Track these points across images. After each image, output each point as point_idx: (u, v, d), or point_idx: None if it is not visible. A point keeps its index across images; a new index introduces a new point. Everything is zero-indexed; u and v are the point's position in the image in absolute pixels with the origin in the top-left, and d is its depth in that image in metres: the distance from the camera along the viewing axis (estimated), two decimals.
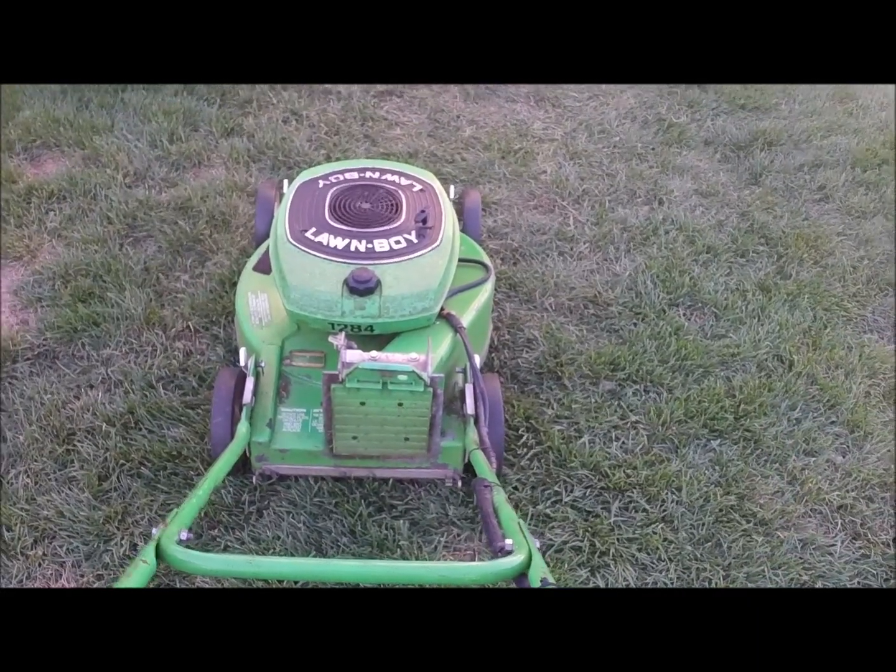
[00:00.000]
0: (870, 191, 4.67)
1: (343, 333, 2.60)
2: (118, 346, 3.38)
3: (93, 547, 2.72)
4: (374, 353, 2.54)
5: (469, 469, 2.70)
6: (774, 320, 3.71)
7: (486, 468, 2.45)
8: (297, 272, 2.77)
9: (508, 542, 1.99)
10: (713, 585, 2.70)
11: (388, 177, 3.16)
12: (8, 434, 3.03)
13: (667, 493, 2.97)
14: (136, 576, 1.77)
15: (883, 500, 3.02)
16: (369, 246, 2.82)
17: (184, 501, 2.18)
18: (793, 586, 2.72)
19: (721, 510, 2.93)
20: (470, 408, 2.73)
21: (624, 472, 3.02)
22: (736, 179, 4.70)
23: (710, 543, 2.84)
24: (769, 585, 2.72)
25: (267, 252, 3.04)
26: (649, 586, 2.70)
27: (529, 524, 2.81)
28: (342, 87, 5.22)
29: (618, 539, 2.82)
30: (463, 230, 3.42)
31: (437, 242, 2.87)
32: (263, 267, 3.13)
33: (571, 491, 2.96)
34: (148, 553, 1.85)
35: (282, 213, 2.97)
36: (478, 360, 2.83)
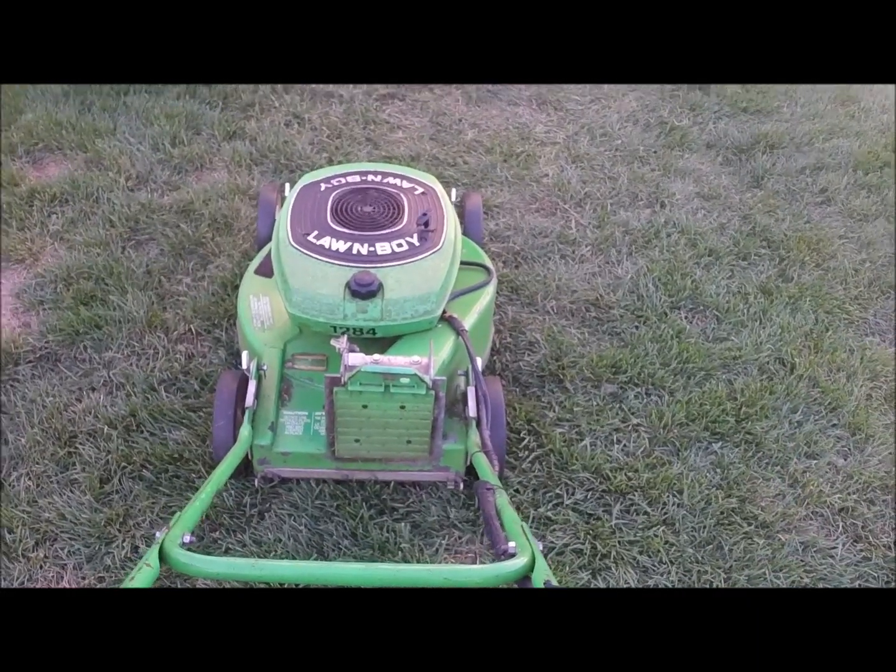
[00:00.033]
0: (872, 193, 4.67)
1: (345, 336, 2.61)
2: (120, 349, 3.38)
3: (94, 549, 2.72)
4: (376, 356, 2.55)
5: (471, 472, 2.70)
6: (776, 323, 3.71)
7: (488, 471, 2.46)
8: (299, 275, 2.78)
9: (511, 544, 1.99)
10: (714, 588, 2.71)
11: (390, 180, 3.16)
12: (10, 436, 3.03)
13: (668, 496, 2.97)
14: (139, 579, 1.77)
15: (884, 502, 3.02)
16: (371, 249, 2.82)
17: (187, 505, 2.18)
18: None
19: (722, 513, 2.93)
20: (472, 410, 2.73)
21: (625, 474, 3.03)
22: (738, 182, 4.71)
23: (711, 546, 2.84)
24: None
25: (269, 255, 3.04)
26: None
27: (531, 527, 2.81)
28: (344, 91, 5.23)
29: (619, 542, 2.82)
30: (465, 233, 3.42)
31: (439, 245, 2.87)
32: (265, 270, 3.13)
33: (573, 494, 2.96)
34: (151, 556, 1.86)
35: (284, 217, 2.97)
36: (479, 362, 2.83)
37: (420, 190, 3.13)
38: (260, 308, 3.04)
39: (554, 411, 3.23)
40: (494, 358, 3.44)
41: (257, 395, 2.77)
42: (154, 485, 2.90)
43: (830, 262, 4.15)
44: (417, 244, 2.86)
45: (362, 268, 2.75)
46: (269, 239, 3.14)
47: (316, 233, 2.87)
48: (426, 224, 2.89)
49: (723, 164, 4.87)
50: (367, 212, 2.98)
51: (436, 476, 2.87)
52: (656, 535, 2.84)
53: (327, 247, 2.82)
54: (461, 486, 2.88)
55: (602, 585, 2.69)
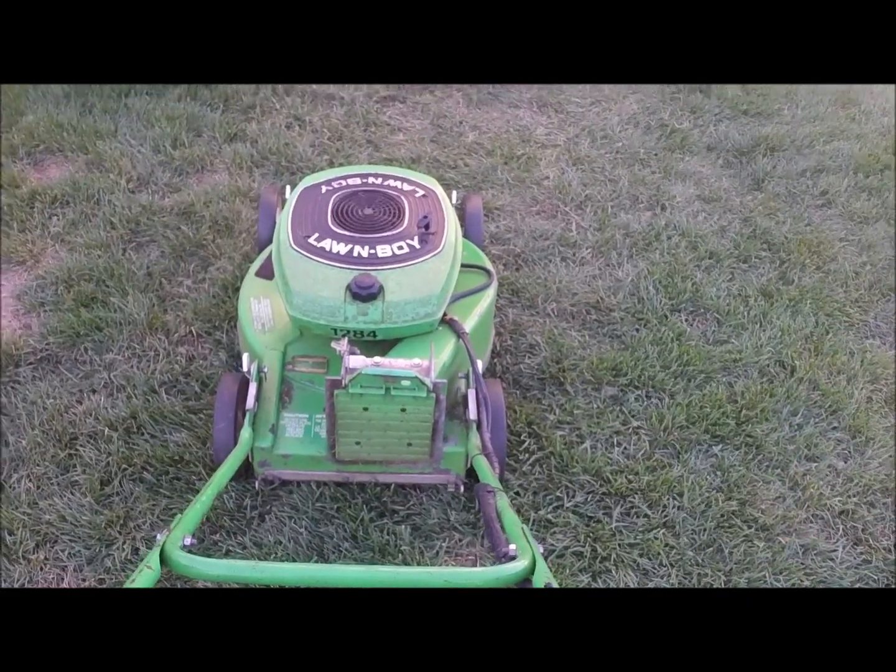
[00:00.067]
0: (872, 196, 4.67)
1: (346, 339, 2.61)
2: (121, 351, 3.39)
3: (95, 551, 2.72)
4: (376, 358, 2.55)
5: (471, 474, 2.70)
6: (776, 326, 3.72)
7: (488, 473, 2.46)
8: (299, 277, 2.78)
9: (512, 547, 1.99)
10: None
11: (391, 182, 3.17)
12: (10, 438, 3.03)
13: (668, 499, 2.97)
14: (140, 581, 1.77)
15: (884, 505, 3.02)
16: (372, 251, 2.82)
17: (187, 507, 2.18)
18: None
19: (722, 515, 2.93)
20: (472, 413, 2.73)
21: (625, 477, 3.03)
22: (738, 185, 4.71)
23: (711, 549, 2.84)
24: None
25: (269, 257, 3.04)
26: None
27: (531, 529, 2.81)
28: (345, 93, 5.23)
29: (619, 544, 2.82)
30: (465, 236, 3.42)
31: (440, 248, 2.87)
32: (266, 272, 3.13)
33: (573, 496, 2.96)
34: (152, 559, 1.86)
35: (284, 219, 2.97)
36: (480, 365, 2.83)
37: (421, 192, 3.13)
38: (261, 310, 3.04)
39: (554, 414, 3.23)
40: (495, 360, 3.44)
41: (258, 398, 2.77)
42: (155, 487, 2.90)
43: (831, 264, 4.15)
44: (418, 247, 2.86)
45: (363, 270, 2.75)
46: (270, 241, 3.14)
47: (317, 235, 2.87)
48: (427, 227, 2.90)
49: (723, 166, 4.87)
50: (367, 214, 2.98)
51: (436, 478, 2.87)
52: (656, 538, 2.84)
53: (328, 249, 2.82)
54: (462, 488, 2.89)
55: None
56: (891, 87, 5.86)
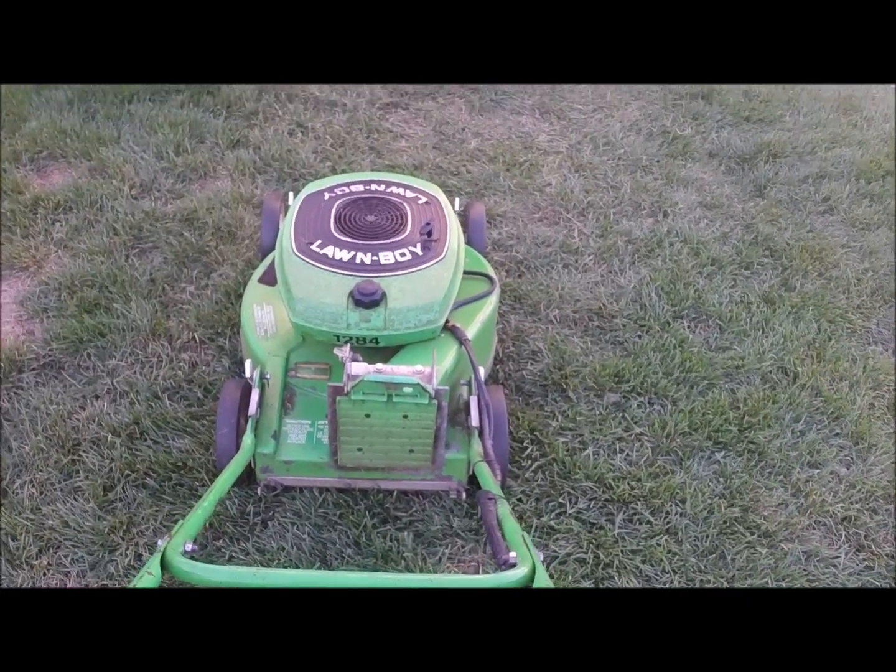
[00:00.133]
0: (874, 202, 4.68)
1: (348, 346, 2.61)
2: (124, 357, 3.39)
3: (97, 557, 2.72)
4: (379, 365, 2.55)
5: (473, 481, 2.70)
6: (779, 332, 3.72)
7: (490, 480, 2.46)
8: (302, 284, 2.78)
9: (512, 554, 2.00)
10: None
11: (394, 189, 3.17)
12: (13, 444, 3.04)
13: (671, 505, 2.97)
14: (141, 587, 1.77)
15: (887, 511, 3.02)
16: (374, 258, 2.82)
17: (189, 513, 2.18)
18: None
19: (725, 522, 2.93)
20: (474, 420, 2.73)
21: (628, 483, 3.03)
22: (740, 191, 4.71)
23: (714, 555, 2.84)
24: None
25: (272, 264, 3.04)
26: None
27: (534, 536, 2.82)
28: (347, 100, 5.24)
29: (622, 551, 2.82)
30: (468, 242, 3.43)
31: (442, 255, 2.88)
32: (269, 279, 3.14)
33: (576, 503, 2.96)
34: (153, 564, 1.86)
35: (287, 226, 2.98)
36: (482, 372, 2.82)
37: (423, 199, 3.14)
38: (263, 317, 3.05)
39: (557, 420, 3.23)
40: (497, 367, 3.44)
41: (260, 404, 2.77)
42: (157, 493, 2.90)
43: (833, 271, 4.15)
44: (420, 254, 2.86)
45: (365, 277, 2.76)
46: (273, 248, 3.15)
47: (319, 242, 2.87)
48: (429, 233, 2.90)
49: (725, 173, 4.87)
50: (370, 221, 2.99)
51: (438, 485, 2.87)
52: (659, 545, 2.84)
53: (331, 256, 2.83)
54: (464, 495, 2.89)
55: None
56: (892, 93, 5.87)
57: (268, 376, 2.82)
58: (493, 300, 3.14)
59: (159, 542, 1.97)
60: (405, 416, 2.57)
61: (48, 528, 2.78)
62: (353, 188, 3.17)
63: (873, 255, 4.28)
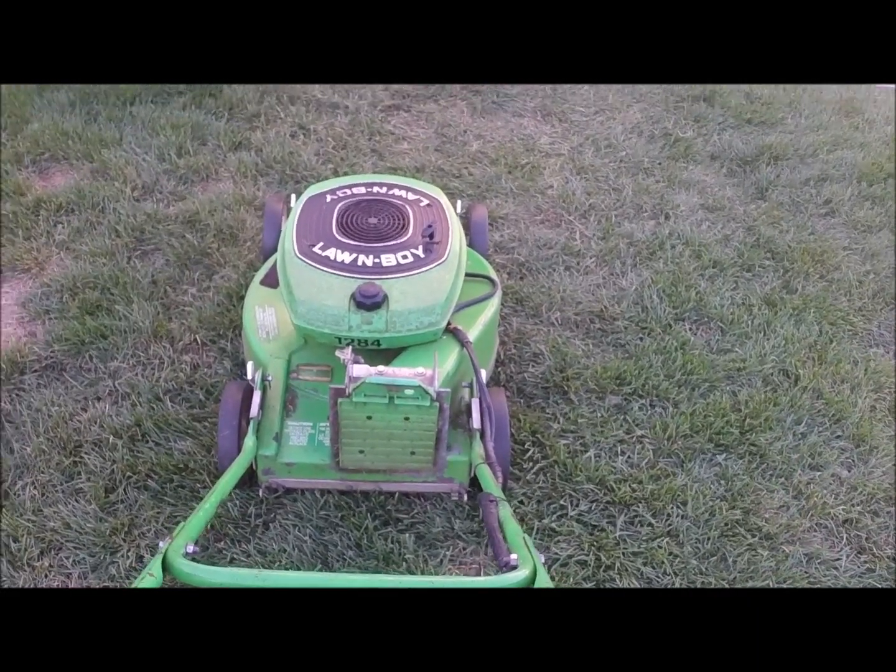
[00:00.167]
0: (876, 205, 4.68)
1: (350, 348, 2.61)
2: (125, 359, 3.39)
3: (99, 559, 2.72)
4: (380, 367, 2.55)
5: (475, 483, 2.70)
6: (780, 335, 3.72)
7: (491, 482, 2.46)
8: (304, 286, 2.78)
9: (514, 556, 2.00)
10: None
11: (396, 192, 3.17)
12: (15, 445, 3.04)
13: (672, 508, 2.97)
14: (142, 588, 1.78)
15: (888, 514, 3.02)
16: (376, 261, 2.83)
17: (190, 514, 2.18)
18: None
19: (726, 524, 2.93)
20: (476, 422, 2.73)
21: (629, 486, 3.03)
22: (742, 194, 4.71)
23: (715, 558, 2.84)
24: None
25: (274, 266, 3.05)
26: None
27: (535, 538, 2.82)
28: (349, 102, 5.24)
29: (623, 553, 2.82)
30: (470, 245, 3.42)
31: (444, 257, 2.88)
32: (271, 281, 3.14)
33: (577, 505, 2.96)
34: (154, 566, 1.86)
35: (289, 228, 2.98)
36: (484, 374, 2.82)
37: (425, 202, 3.14)
38: (265, 319, 3.05)
39: (558, 423, 3.24)
40: (499, 369, 3.44)
41: (262, 406, 2.77)
42: (159, 494, 2.91)
43: (834, 273, 4.15)
44: (422, 256, 2.86)
45: (367, 279, 2.76)
46: (275, 250, 3.15)
47: (321, 244, 2.88)
48: (431, 236, 2.90)
49: (727, 175, 4.87)
50: (372, 223, 2.99)
51: (440, 487, 2.87)
52: (660, 547, 2.84)
53: (333, 258, 2.83)
54: (465, 497, 2.89)
55: None
56: (893, 96, 5.87)
57: (269, 378, 2.82)
58: (494, 302, 3.14)
59: (161, 544, 1.98)
60: (407, 419, 2.57)
61: (50, 530, 2.78)
62: (354, 190, 3.17)
63: (875, 258, 4.28)
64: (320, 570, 2.71)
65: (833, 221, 4.54)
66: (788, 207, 4.61)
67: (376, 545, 2.78)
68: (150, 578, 1.81)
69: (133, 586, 1.78)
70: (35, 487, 2.91)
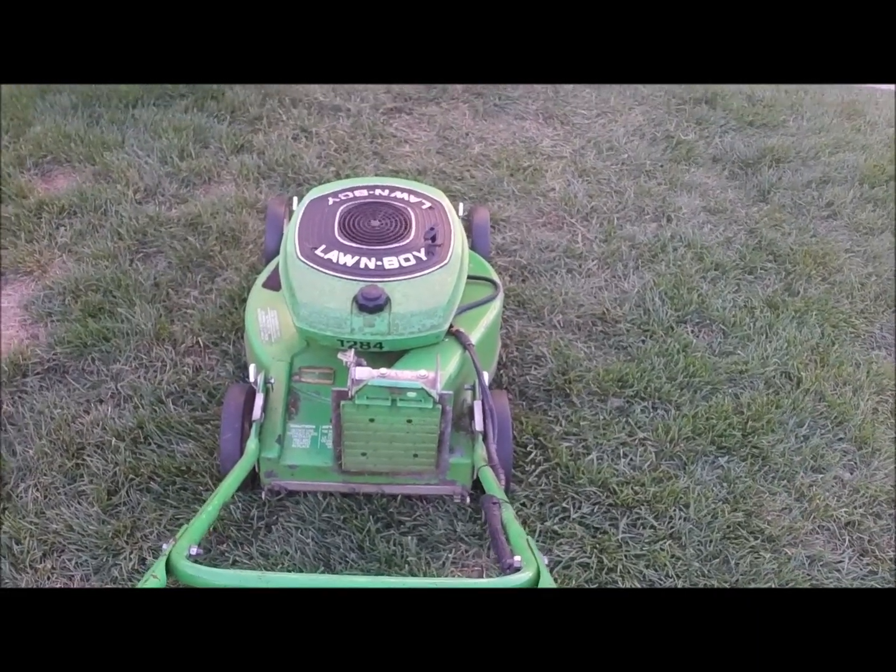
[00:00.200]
0: (878, 207, 4.68)
1: (352, 350, 2.61)
2: (128, 362, 3.39)
3: (101, 561, 2.72)
4: (383, 370, 2.55)
5: (477, 485, 2.70)
6: (782, 337, 3.72)
7: (494, 485, 2.46)
8: (306, 289, 2.78)
9: (517, 558, 2.00)
10: None
11: (398, 194, 3.17)
12: (18, 448, 3.04)
13: (674, 510, 2.97)
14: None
15: (891, 516, 3.02)
16: (378, 263, 2.83)
17: (193, 517, 2.19)
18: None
19: (729, 527, 2.93)
20: (478, 424, 2.73)
21: (632, 488, 3.03)
22: (744, 196, 4.71)
23: (717, 560, 2.84)
24: None
25: (276, 269, 3.04)
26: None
27: (537, 540, 2.81)
28: (351, 105, 5.25)
29: (625, 555, 2.82)
30: (472, 247, 3.43)
31: (446, 260, 2.88)
32: (273, 283, 3.14)
33: (579, 507, 2.96)
34: (158, 568, 1.86)
35: (291, 231, 2.98)
36: (486, 376, 2.82)
37: (427, 204, 3.14)
38: (267, 321, 3.05)
39: (560, 425, 3.24)
40: (501, 372, 3.44)
41: (264, 408, 2.77)
42: (161, 497, 2.91)
43: (836, 275, 4.15)
44: (425, 258, 2.86)
45: (370, 282, 2.76)
46: (277, 252, 3.15)
47: (324, 247, 2.88)
48: (433, 238, 2.90)
49: (729, 178, 4.88)
50: (374, 226, 2.99)
51: (442, 490, 2.87)
52: (663, 549, 2.84)
53: (335, 261, 2.83)
54: (468, 499, 2.89)
55: None
56: (894, 97, 5.88)
57: (272, 381, 2.82)
58: (496, 305, 3.14)
59: (164, 546, 1.98)
60: (409, 421, 2.57)
61: (52, 532, 2.78)
62: (357, 193, 3.17)
63: (877, 260, 4.28)
64: (323, 573, 2.70)
65: (835, 224, 4.54)
66: (790, 210, 4.62)
67: (378, 548, 2.78)
68: (153, 580, 1.81)
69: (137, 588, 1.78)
70: (37, 490, 2.91)
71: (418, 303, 2.76)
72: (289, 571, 2.69)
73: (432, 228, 2.92)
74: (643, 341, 3.66)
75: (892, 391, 3.50)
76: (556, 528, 2.88)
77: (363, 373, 2.52)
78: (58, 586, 2.66)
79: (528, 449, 3.13)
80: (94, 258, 3.90)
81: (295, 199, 3.47)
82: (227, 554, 2.75)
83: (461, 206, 3.51)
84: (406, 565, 2.74)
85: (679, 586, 2.75)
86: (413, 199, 3.16)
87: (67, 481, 2.95)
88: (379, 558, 2.75)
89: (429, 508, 2.93)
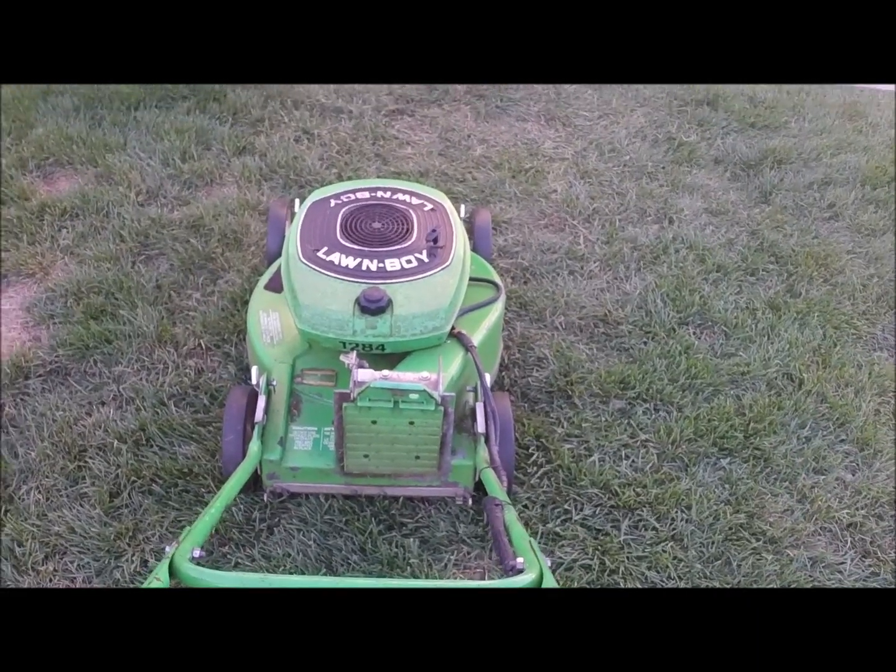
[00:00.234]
0: (879, 208, 4.68)
1: (354, 352, 2.61)
2: (130, 364, 3.40)
3: (104, 563, 2.72)
4: (385, 371, 2.55)
5: (479, 487, 2.70)
6: (784, 339, 3.72)
7: (496, 486, 2.46)
8: (308, 291, 2.78)
9: (520, 560, 2.00)
10: None
11: (400, 196, 3.18)
12: (20, 450, 3.04)
13: (676, 512, 2.97)
14: None
15: (893, 517, 3.02)
16: (380, 265, 2.83)
17: (196, 519, 2.19)
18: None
19: (730, 528, 2.93)
20: (480, 426, 2.73)
21: (634, 490, 3.03)
22: (746, 198, 4.71)
23: (719, 562, 2.83)
24: None
25: (278, 271, 3.05)
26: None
27: (539, 542, 2.81)
28: (353, 106, 5.25)
29: (627, 557, 2.82)
30: (474, 249, 3.43)
31: (448, 262, 2.88)
32: (275, 285, 3.14)
33: (581, 509, 2.96)
34: (161, 570, 1.86)
35: (293, 233, 2.98)
36: (488, 378, 2.82)
37: (429, 206, 3.14)
38: (269, 323, 3.05)
39: (562, 427, 3.24)
40: (503, 374, 3.44)
41: (267, 411, 2.77)
42: (163, 499, 2.91)
43: (838, 277, 4.15)
44: (426, 260, 2.87)
45: (372, 284, 2.76)
46: (279, 254, 3.15)
47: (325, 249, 2.88)
48: (435, 240, 2.90)
49: (731, 179, 4.88)
50: (376, 228, 2.99)
51: (444, 491, 2.87)
52: (665, 551, 2.84)
53: (337, 263, 2.83)
54: (470, 501, 2.89)
55: None
56: (894, 98, 5.88)
57: (274, 383, 2.82)
58: (498, 307, 3.14)
59: (167, 549, 1.98)
60: (411, 423, 2.57)
61: (54, 535, 2.79)
62: (358, 195, 3.17)
63: (878, 261, 4.28)
64: (325, 575, 2.71)
65: (837, 225, 4.54)
66: (792, 211, 4.62)
67: (381, 549, 2.78)
68: (157, 583, 1.81)
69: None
70: (39, 492, 2.91)
71: (420, 305, 2.76)
72: (291, 574, 2.69)
73: (434, 230, 2.92)
74: (645, 343, 3.66)
75: (893, 392, 3.50)
76: (558, 529, 2.88)
77: (365, 375, 2.52)
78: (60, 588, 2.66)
79: (530, 451, 3.13)
80: (96, 260, 3.90)
81: (297, 201, 3.47)
82: (229, 556, 2.75)
83: (463, 207, 3.51)
84: (408, 567, 2.74)
85: (681, 588, 2.75)
86: (415, 200, 3.16)
87: (69, 483, 2.95)
88: (381, 560, 2.75)
89: (431, 510, 2.93)
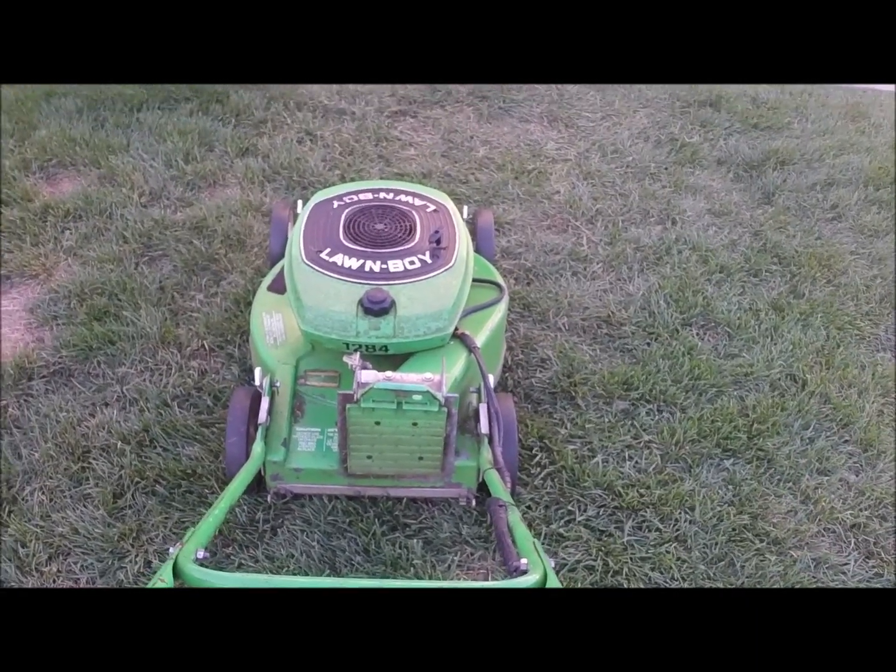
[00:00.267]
0: (882, 209, 4.68)
1: (358, 353, 2.61)
2: (133, 365, 3.40)
3: (107, 564, 2.73)
4: (388, 372, 2.55)
5: (483, 488, 2.71)
6: (787, 339, 3.72)
7: (500, 487, 2.46)
8: (311, 292, 2.79)
9: (523, 561, 1.99)
10: None
11: (402, 197, 3.18)
12: (23, 451, 3.04)
13: (680, 513, 2.97)
14: None
15: None
16: (384, 266, 2.83)
17: (200, 520, 2.19)
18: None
19: (734, 529, 2.93)
20: (484, 427, 2.73)
21: (637, 491, 3.02)
22: (749, 199, 4.71)
23: (723, 563, 2.83)
24: None
25: (281, 272, 3.05)
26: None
27: (543, 543, 2.81)
28: (356, 108, 5.25)
29: (631, 558, 2.82)
30: (477, 250, 3.43)
31: (451, 263, 2.88)
32: (278, 287, 3.14)
33: (585, 510, 2.96)
34: (165, 572, 1.86)
35: (296, 234, 2.98)
36: (492, 379, 2.83)
37: (432, 207, 3.14)
38: (273, 324, 3.05)
39: (566, 428, 3.24)
40: (506, 375, 3.44)
41: (270, 412, 2.77)
42: (167, 500, 2.91)
43: (841, 277, 4.15)
44: (430, 261, 2.87)
45: (375, 285, 2.76)
46: (282, 256, 3.15)
47: (328, 250, 2.88)
48: (438, 241, 2.90)
49: (734, 180, 4.88)
50: (379, 229, 2.99)
51: (448, 492, 2.87)
52: (668, 552, 2.84)
53: (340, 264, 2.83)
54: (473, 502, 2.89)
55: None
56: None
57: (277, 384, 2.82)
58: (501, 308, 3.14)
59: (171, 550, 1.98)
60: (415, 424, 2.57)
61: (58, 535, 2.79)
62: (361, 196, 3.17)
63: (882, 262, 4.28)
64: (328, 576, 2.71)
65: (840, 226, 4.54)
66: (795, 212, 4.61)
67: (384, 550, 2.78)
68: (161, 584, 1.81)
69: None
70: (43, 493, 2.91)
71: (423, 306, 2.76)
72: (294, 574, 2.69)
73: (437, 231, 2.92)
74: (648, 344, 3.66)
75: None
76: (561, 530, 2.88)
77: (369, 376, 2.52)
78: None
79: (534, 452, 3.13)
80: (99, 262, 3.90)
81: (300, 202, 3.48)
82: (232, 557, 2.76)
83: (465, 208, 3.51)
84: (412, 568, 2.74)
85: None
86: (418, 202, 3.16)
87: (73, 484, 2.95)
88: (384, 561, 2.75)
89: (434, 511, 2.93)
